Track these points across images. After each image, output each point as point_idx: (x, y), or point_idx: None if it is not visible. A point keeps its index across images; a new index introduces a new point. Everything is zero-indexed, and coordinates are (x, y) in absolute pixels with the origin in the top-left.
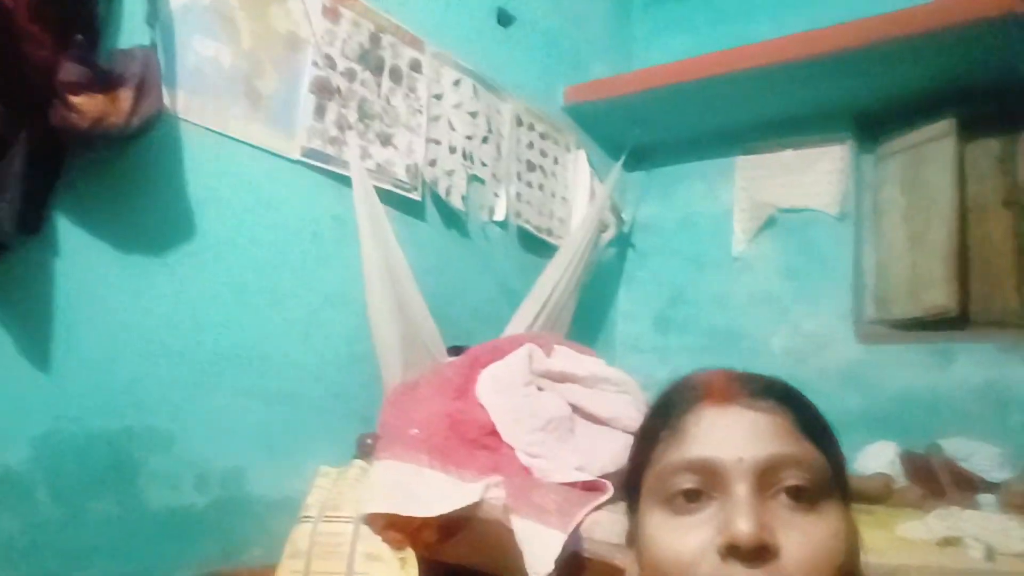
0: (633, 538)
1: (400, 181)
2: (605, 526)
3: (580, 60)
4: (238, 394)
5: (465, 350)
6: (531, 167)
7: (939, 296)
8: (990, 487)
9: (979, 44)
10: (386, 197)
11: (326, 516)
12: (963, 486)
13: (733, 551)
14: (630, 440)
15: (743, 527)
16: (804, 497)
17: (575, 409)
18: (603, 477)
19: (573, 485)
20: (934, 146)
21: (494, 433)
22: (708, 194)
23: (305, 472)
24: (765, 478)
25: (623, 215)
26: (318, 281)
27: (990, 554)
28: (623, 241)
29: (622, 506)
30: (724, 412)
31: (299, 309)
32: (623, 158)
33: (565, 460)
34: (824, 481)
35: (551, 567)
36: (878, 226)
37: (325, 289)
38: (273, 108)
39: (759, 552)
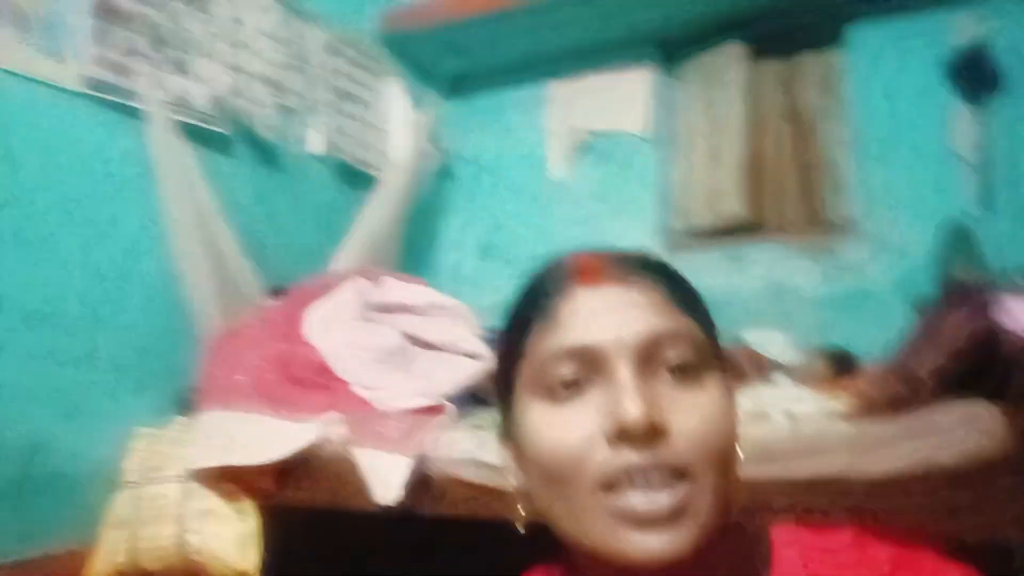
0: (509, 433)
1: (202, 113)
2: (450, 445)
3: None
4: (32, 358)
5: (287, 290)
6: (346, 97)
7: (733, 206)
8: (783, 368)
9: None
10: (188, 132)
11: (149, 478)
12: (761, 369)
13: (623, 435)
14: (468, 364)
15: (632, 409)
16: (687, 373)
17: (409, 338)
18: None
19: (415, 411)
20: (726, 68)
21: (327, 371)
22: (524, 121)
23: (119, 437)
24: (646, 356)
25: (444, 145)
26: (116, 227)
27: (790, 417)
28: (445, 172)
29: (466, 424)
30: (597, 292)
31: (97, 259)
32: (440, 88)
33: (404, 388)
34: (705, 354)
35: (399, 491)
36: (681, 145)
37: (125, 235)
38: (46, 31)
39: (650, 433)
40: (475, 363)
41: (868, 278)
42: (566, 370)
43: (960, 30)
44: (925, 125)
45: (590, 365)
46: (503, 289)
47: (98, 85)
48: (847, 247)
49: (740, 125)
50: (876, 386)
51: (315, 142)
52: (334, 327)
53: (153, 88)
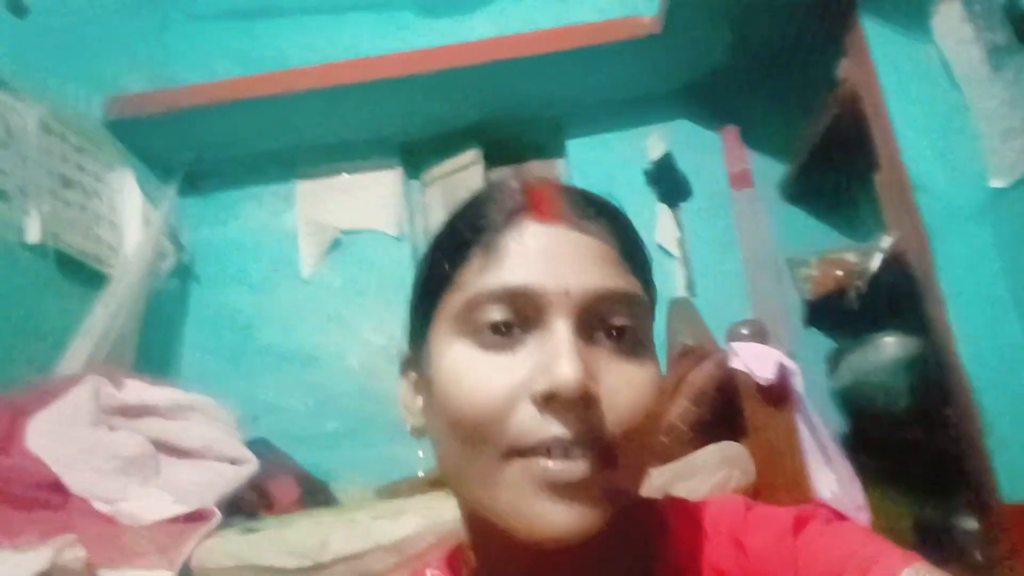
0: (416, 366)
1: None
2: (218, 551)
3: (117, 70)
4: None
5: (2, 398)
6: (68, 183)
7: None
8: None
9: (493, 84)
10: None
11: None
12: None
13: (552, 399)
14: (228, 470)
15: (568, 373)
16: (627, 340)
17: (158, 445)
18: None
19: (172, 521)
20: (464, 173)
21: (57, 487)
22: (271, 218)
23: None
24: (589, 315)
25: (182, 242)
26: None
27: None
28: (184, 270)
29: (235, 531)
30: (550, 232)
31: None
32: (179, 181)
33: (155, 498)
34: (647, 322)
35: None
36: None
37: None
38: None
39: (581, 401)
40: (238, 468)
41: None
42: (499, 312)
43: (651, 146)
44: (638, 224)
45: (527, 311)
46: (254, 395)
47: None
48: None
49: None
50: None
51: (33, 230)
52: (66, 436)
53: None
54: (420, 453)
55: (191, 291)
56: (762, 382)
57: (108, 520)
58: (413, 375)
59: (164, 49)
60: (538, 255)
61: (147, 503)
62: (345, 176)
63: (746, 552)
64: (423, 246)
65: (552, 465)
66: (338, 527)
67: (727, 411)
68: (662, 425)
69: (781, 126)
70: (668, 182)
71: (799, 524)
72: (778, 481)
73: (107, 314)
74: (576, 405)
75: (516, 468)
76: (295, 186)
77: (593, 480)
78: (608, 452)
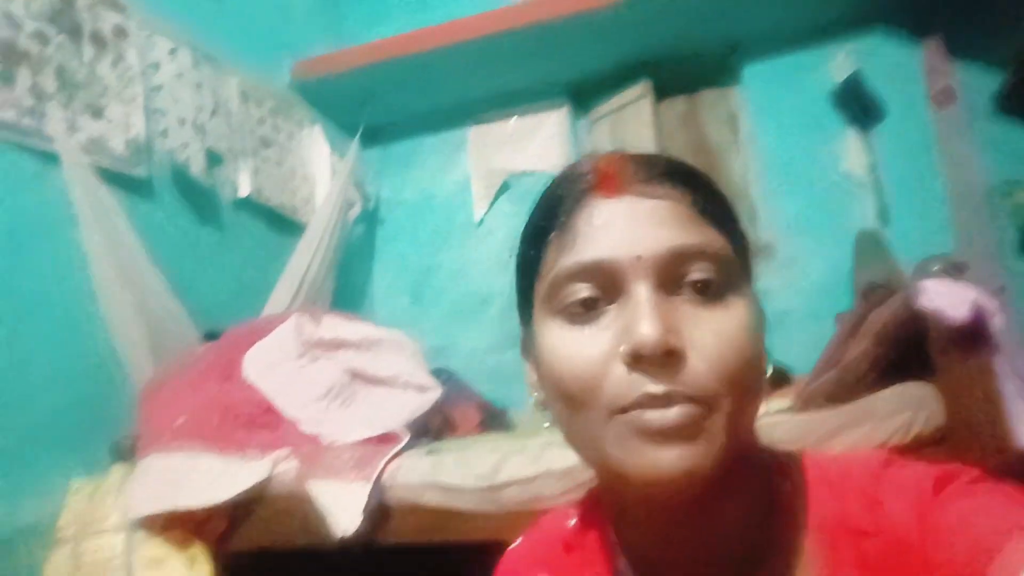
0: (529, 349)
1: (120, 157)
2: (407, 470)
3: (302, 34)
4: None
5: (221, 335)
6: (267, 144)
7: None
8: None
9: (664, 16)
10: (105, 176)
11: (88, 532)
12: None
13: (638, 359)
14: (416, 397)
15: (647, 331)
16: (710, 291)
17: (353, 374)
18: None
19: (367, 441)
20: (633, 107)
21: (271, 410)
22: (446, 165)
23: (52, 491)
24: (667, 274)
25: (367, 192)
26: (33, 278)
27: None
28: (370, 218)
29: (421, 451)
30: (616, 204)
31: (19, 309)
32: (359, 135)
33: (352, 422)
34: (730, 270)
35: (359, 520)
36: None
37: (45, 287)
38: None
39: (666, 357)
40: (424, 396)
41: (786, 299)
42: (582, 288)
43: (837, 65)
44: (821, 152)
45: (607, 283)
46: (439, 331)
47: (5, 127)
48: (763, 271)
49: None
50: (813, 381)
51: (243, 186)
52: (275, 367)
53: (65, 131)
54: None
55: (377, 236)
56: (954, 322)
57: (314, 440)
58: (531, 356)
59: (340, 12)
60: (606, 229)
61: (346, 425)
62: (514, 120)
63: (883, 511)
64: None
65: (649, 416)
66: (512, 453)
67: (913, 353)
68: (763, 366)
69: (991, 35)
70: (857, 104)
71: (940, 483)
72: (970, 428)
73: (305, 259)
74: (661, 360)
75: (619, 424)
76: (467, 133)
77: (692, 424)
78: (705, 398)
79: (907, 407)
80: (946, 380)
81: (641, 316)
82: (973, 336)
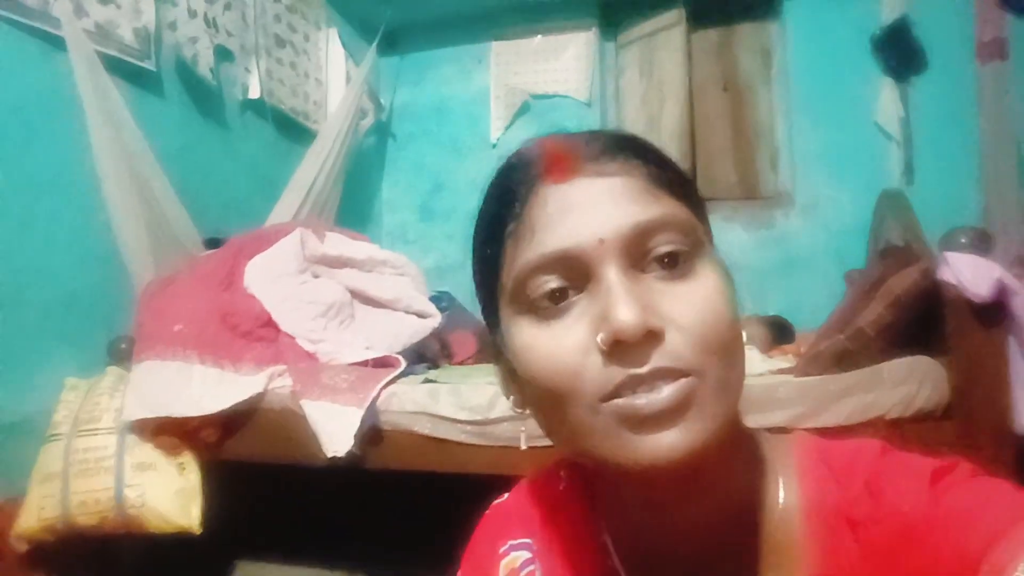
0: (499, 353)
1: (128, 46)
2: (401, 397)
3: None
4: None
5: (224, 242)
6: (280, 42)
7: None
8: None
9: None
10: (112, 65)
11: (81, 431)
12: None
13: (618, 345)
14: (415, 322)
15: (625, 316)
16: (678, 261)
17: (354, 294)
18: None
19: (363, 364)
20: (665, 34)
21: (270, 324)
22: (464, 80)
23: (46, 387)
24: (633, 251)
25: (381, 100)
26: (33, 164)
27: None
28: (382, 128)
29: (416, 378)
30: (570, 188)
31: (17, 198)
32: (377, 40)
33: (350, 343)
34: (695, 238)
35: (350, 443)
36: (621, 110)
37: (44, 174)
38: None
39: (646, 338)
40: (423, 322)
41: (800, 246)
42: (548, 281)
43: (886, 7)
44: (854, 98)
45: (573, 272)
46: (445, 250)
47: (10, 6)
48: (780, 216)
49: (679, 91)
50: (821, 342)
51: (253, 86)
52: (276, 279)
53: (72, 13)
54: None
55: (388, 148)
56: (974, 299)
57: (311, 357)
58: (502, 359)
59: None
60: (564, 215)
61: (344, 346)
62: (539, 38)
63: (879, 501)
64: (613, 113)
65: (637, 401)
66: None
67: (926, 324)
68: (740, 328)
69: None
70: (899, 51)
71: (937, 476)
72: (973, 407)
73: (314, 167)
74: (641, 344)
75: (607, 414)
76: (489, 48)
77: (684, 398)
78: (690, 370)
79: (913, 379)
80: (957, 355)
81: (616, 301)
82: (992, 314)
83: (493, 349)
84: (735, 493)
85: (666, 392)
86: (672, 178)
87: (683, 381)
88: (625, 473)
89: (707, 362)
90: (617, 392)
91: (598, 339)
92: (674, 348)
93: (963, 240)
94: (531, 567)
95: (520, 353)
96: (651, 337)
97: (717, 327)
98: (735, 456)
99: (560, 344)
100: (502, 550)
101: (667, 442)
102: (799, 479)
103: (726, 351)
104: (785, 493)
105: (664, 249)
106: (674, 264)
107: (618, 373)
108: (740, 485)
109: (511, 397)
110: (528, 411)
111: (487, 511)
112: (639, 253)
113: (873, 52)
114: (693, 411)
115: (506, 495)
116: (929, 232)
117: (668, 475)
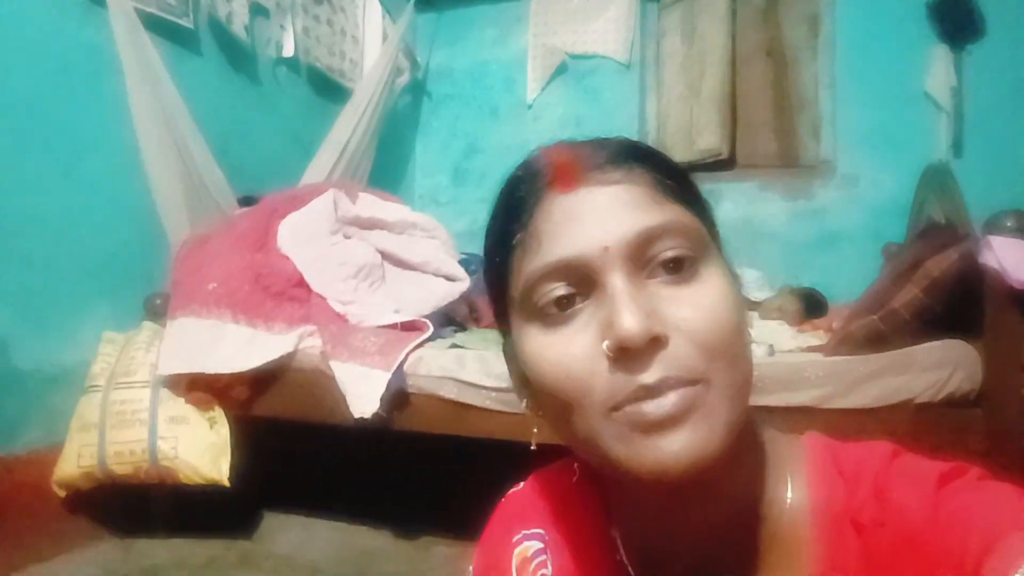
0: (512, 357)
1: (166, 4)
2: (428, 361)
3: None
4: None
5: (258, 200)
6: (319, 1)
7: (712, 140)
8: (752, 304)
9: None
10: (150, 23)
11: (118, 383)
12: None
13: (623, 352)
14: (444, 285)
15: (629, 324)
16: (684, 266)
17: (385, 256)
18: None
19: (392, 327)
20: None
21: (302, 284)
22: (501, 39)
23: (84, 340)
24: (637, 258)
25: (417, 59)
26: (73, 122)
27: (771, 351)
28: (418, 88)
29: (443, 343)
30: (575, 197)
31: (53, 155)
32: None
33: (380, 305)
34: (700, 242)
35: (376, 405)
36: (660, 74)
37: (83, 131)
38: None
39: (651, 346)
40: (452, 285)
41: (839, 219)
42: (554, 289)
43: None
44: (903, 66)
45: (579, 280)
46: (477, 213)
47: None
48: (820, 187)
49: (722, 58)
50: (853, 322)
51: (288, 44)
52: (309, 240)
53: None
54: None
55: (422, 110)
56: (1016, 285)
57: (341, 318)
58: (515, 364)
59: None
60: (569, 224)
61: (373, 308)
62: None
63: (891, 503)
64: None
65: (646, 408)
66: None
67: (963, 308)
68: (747, 334)
69: None
70: (955, 17)
71: (944, 479)
72: (1009, 395)
73: (349, 127)
74: (647, 350)
75: (617, 422)
76: (529, 6)
77: (690, 405)
78: (697, 377)
79: (946, 364)
80: (993, 342)
81: (620, 309)
82: None
83: (506, 353)
84: (743, 495)
85: (672, 398)
86: (677, 184)
87: (689, 389)
88: (636, 479)
89: (712, 368)
90: (626, 401)
91: (604, 346)
92: (679, 354)
93: (1009, 224)
94: (542, 557)
95: (530, 360)
96: (655, 343)
97: (722, 332)
98: (744, 459)
99: (567, 352)
100: (515, 539)
101: (675, 447)
102: (808, 481)
103: (731, 356)
104: (793, 494)
105: (668, 254)
106: (679, 269)
107: (626, 382)
108: (748, 487)
109: (525, 401)
110: (542, 413)
111: (503, 499)
112: (644, 259)
113: (928, 17)
114: (698, 417)
115: (521, 484)
116: (974, 210)
117: (676, 480)
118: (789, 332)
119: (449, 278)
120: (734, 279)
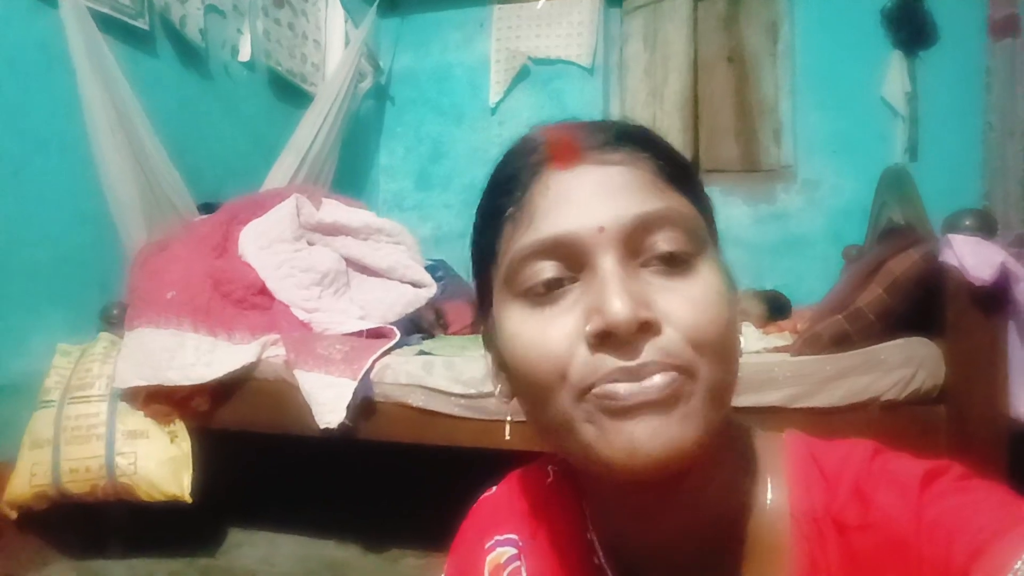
0: (490, 341)
1: (120, 4)
2: (395, 368)
3: None
4: None
5: (218, 207)
6: (279, 2)
7: (675, 145)
8: None
9: None
10: (104, 23)
11: (73, 397)
12: None
13: (608, 337)
14: (410, 291)
15: (617, 308)
16: (679, 258)
17: (349, 262)
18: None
19: (357, 334)
20: (672, 4)
21: (264, 291)
22: (464, 44)
23: (36, 351)
24: (633, 244)
25: (380, 63)
26: (23, 122)
27: None
28: (381, 92)
29: (411, 350)
30: (573, 176)
31: (7, 155)
32: (377, 1)
33: (345, 312)
34: (698, 236)
35: (343, 415)
36: (623, 79)
37: (34, 131)
38: None
39: (638, 332)
40: (418, 291)
41: (800, 223)
42: (543, 268)
43: None
44: (861, 72)
45: (570, 259)
46: (442, 218)
47: None
48: (781, 191)
49: (684, 63)
50: (819, 322)
51: (245, 48)
52: (271, 246)
53: None
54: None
55: (386, 114)
56: (975, 283)
57: (305, 326)
58: (492, 345)
59: None
60: (565, 202)
61: (338, 315)
62: (542, 2)
63: (867, 507)
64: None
65: (623, 390)
66: None
67: (925, 307)
68: (737, 331)
69: None
70: (910, 25)
71: (928, 479)
72: (970, 391)
73: (311, 131)
74: (634, 338)
75: (591, 404)
76: (491, 11)
77: (671, 392)
78: (682, 366)
79: (910, 362)
80: (955, 339)
81: (610, 292)
82: (993, 299)
83: (484, 336)
84: (722, 496)
85: (656, 380)
86: (679, 172)
87: (674, 374)
88: (606, 465)
89: (700, 363)
90: (600, 382)
91: (587, 329)
92: (668, 344)
93: (967, 223)
94: (516, 564)
95: (508, 339)
96: (645, 330)
97: (714, 328)
98: (723, 460)
99: (547, 332)
100: (488, 545)
101: (646, 432)
102: (788, 480)
103: (721, 354)
104: (773, 495)
105: (665, 247)
106: (674, 261)
107: (605, 363)
108: (727, 488)
109: (499, 387)
110: (514, 401)
111: (475, 504)
112: (639, 247)
113: (883, 24)
114: (680, 409)
115: (494, 488)
116: (932, 211)
117: (646, 470)
118: (755, 334)
119: (415, 284)
120: (729, 279)
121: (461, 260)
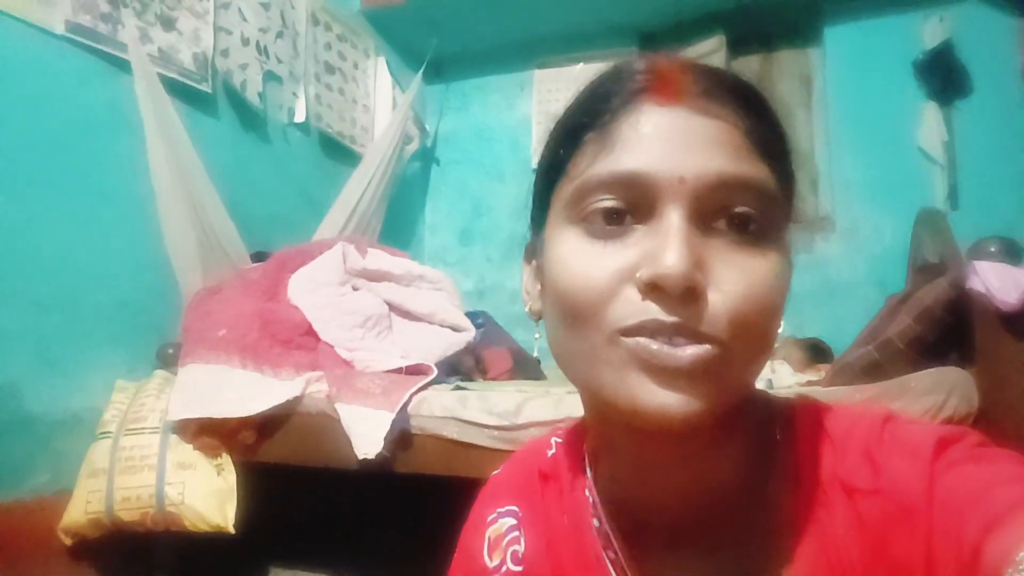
0: (534, 255)
1: (187, 70)
2: (431, 402)
3: None
4: (9, 302)
5: (269, 256)
6: (330, 69)
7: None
8: None
9: None
10: (171, 87)
11: (128, 429)
12: None
13: (656, 289)
14: (450, 335)
15: (672, 262)
16: (749, 231)
17: (392, 307)
18: None
19: (397, 371)
20: (706, 61)
21: (310, 332)
22: (507, 107)
23: (96, 387)
24: (707, 203)
25: (426, 126)
26: (94, 176)
27: (770, 384)
28: (426, 154)
29: (447, 387)
30: (668, 114)
31: (73, 205)
32: (423, 69)
33: (386, 352)
34: (774, 212)
35: (380, 446)
36: None
37: (103, 186)
38: None
39: (686, 293)
40: (458, 335)
41: (840, 271)
42: (611, 199)
43: (929, 32)
44: (896, 123)
45: (640, 200)
46: (484, 272)
47: (82, 31)
48: (820, 240)
49: None
50: (849, 354)
51: (300, 110)
52: (317, 290)
53: (138, 39)
54: (536, 336)
55: (431, 174)
56: (1002, 307)
57: (347, 364)
58: (534, 261)
59: None
60: (653, 140)
61: (379, 355)
62: (581, 66)
63: (883, 470)
64: None
65: (655, 348)
66: (535, 396)
67: (955, 334)
68: (780, 321)
69: None
70: (943, 75)
71: (941, 446)
72: (1003, 418)
73: (359, 189)
74: (679, 295)
75: (621, 349)
76: (532, 75)
77: (703, 366)
78: (716, 342)
79: (941, 390)
80: (986, 365)
81: (669, 245)
82: (1021, 322)
83: (528, 251)
84: (730, 460)
85: (689, 352)
86: (773, 141)
87: (706, 347)
88: (618, 412)
89: (736, 337)
90: (638, 330)
91: (638, 275)
92: (710, 314)
93: (992, 249)
94: (515, 533)
95: (558, 260)
96: (690, 294)
97: (760, 307)
98: (736, 425)
99: (600, 263)
100: (490, 518)
101: (672, 400)
102: (797, 444)
103: (759, 334)
104: (783, 458)
105: (741, 210)
106: (744, 230)
107: (645, 312)
108: (737, 452)
109: (529, 304)
110: (542, 321)
111: (486, 483)
112: (713, 207)
113: (916, 76)
114: (704, 379)
115: (501, 467)
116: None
117: (661, 432)
118: (789, 371)
119: (455, 328)
120: (790, 265)
121: (503, 312)
